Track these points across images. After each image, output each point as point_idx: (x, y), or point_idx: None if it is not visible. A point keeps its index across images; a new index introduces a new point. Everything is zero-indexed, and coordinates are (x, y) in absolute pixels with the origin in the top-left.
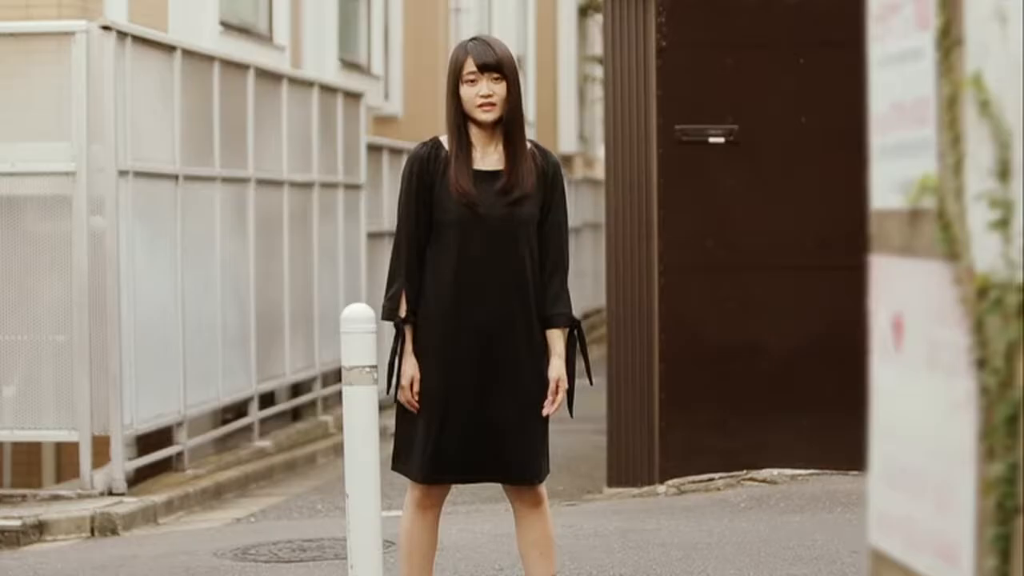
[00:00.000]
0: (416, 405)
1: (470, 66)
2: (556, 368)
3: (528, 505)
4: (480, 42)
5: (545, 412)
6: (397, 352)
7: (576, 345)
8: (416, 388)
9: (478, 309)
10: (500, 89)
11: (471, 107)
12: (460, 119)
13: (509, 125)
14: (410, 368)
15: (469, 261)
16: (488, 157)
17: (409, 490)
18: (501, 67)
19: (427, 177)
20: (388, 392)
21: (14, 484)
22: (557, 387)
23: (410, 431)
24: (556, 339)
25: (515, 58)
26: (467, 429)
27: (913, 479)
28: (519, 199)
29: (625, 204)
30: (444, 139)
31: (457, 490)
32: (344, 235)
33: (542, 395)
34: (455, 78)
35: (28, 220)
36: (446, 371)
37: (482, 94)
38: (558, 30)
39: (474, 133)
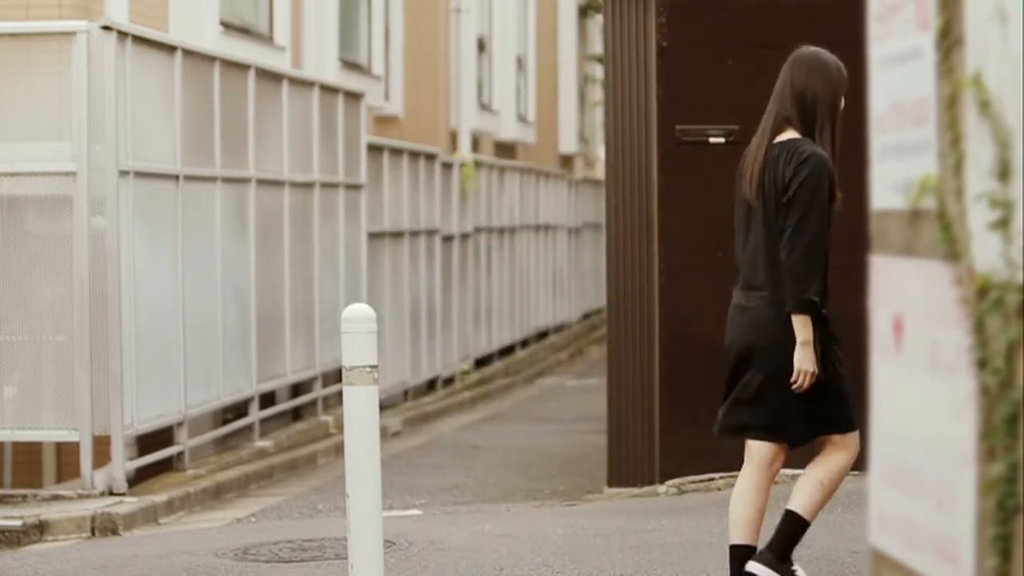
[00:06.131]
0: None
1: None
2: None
3: (828, 446)
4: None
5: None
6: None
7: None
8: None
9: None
10: None
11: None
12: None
13: None
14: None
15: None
16: None
17: (773, 453)
18: None
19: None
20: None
21: (15, 484)
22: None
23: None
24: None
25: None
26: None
27: (913, 479)
28: None
29: (625, 204)
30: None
31: (459, 490)
32: (345, 235)
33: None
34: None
35: (29, 220)
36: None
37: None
38: (558, 30)
39: None
